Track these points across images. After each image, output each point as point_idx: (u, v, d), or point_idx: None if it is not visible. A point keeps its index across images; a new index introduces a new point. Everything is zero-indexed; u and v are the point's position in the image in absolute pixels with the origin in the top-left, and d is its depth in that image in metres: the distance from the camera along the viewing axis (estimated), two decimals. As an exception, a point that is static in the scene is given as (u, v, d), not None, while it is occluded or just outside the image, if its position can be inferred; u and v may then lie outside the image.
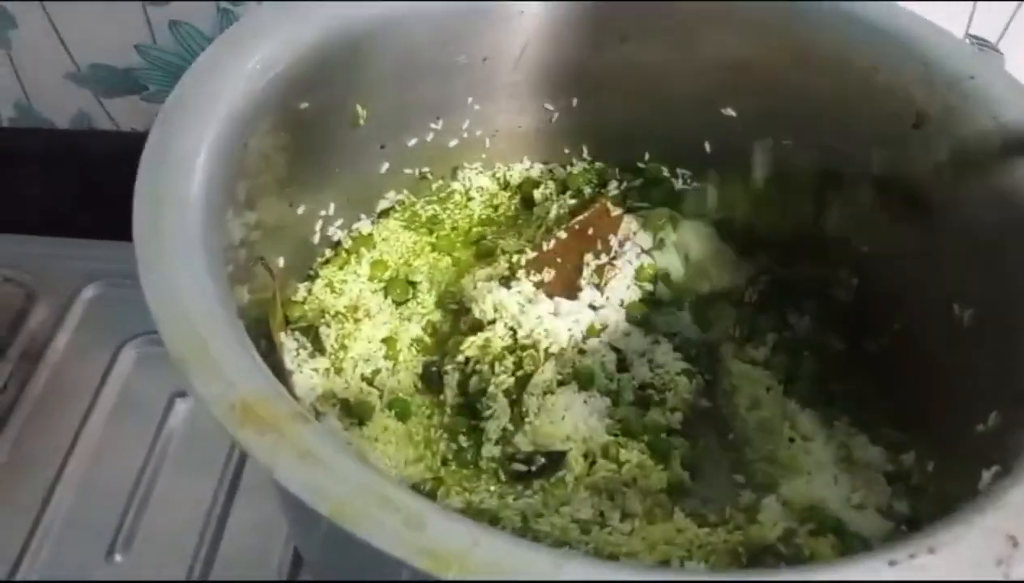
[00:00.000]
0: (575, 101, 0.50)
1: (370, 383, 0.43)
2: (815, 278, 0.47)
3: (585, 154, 0.52)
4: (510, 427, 0.41)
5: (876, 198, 0.44)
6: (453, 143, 0.50)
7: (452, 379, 0.43)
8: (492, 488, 0.39)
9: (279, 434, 0.26)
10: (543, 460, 0.40)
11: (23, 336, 0.57)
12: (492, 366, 0.43)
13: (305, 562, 0.46)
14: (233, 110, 0.36)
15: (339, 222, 0.47)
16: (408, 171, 0.50)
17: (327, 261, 0.47)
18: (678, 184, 0.51)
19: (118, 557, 0.49)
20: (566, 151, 0.52)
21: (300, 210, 0.44)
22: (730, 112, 0.47)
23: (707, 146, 0.49)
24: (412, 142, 0.48)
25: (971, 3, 0.53)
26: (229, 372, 0.27)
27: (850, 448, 0.42)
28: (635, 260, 0.48)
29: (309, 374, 0.41)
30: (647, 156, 0.51)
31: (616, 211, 0.48)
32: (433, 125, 0.49)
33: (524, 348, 0.43)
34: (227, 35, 0.39)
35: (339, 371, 0.43)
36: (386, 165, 0.48)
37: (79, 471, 0.52)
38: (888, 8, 0.43)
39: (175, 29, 0.58)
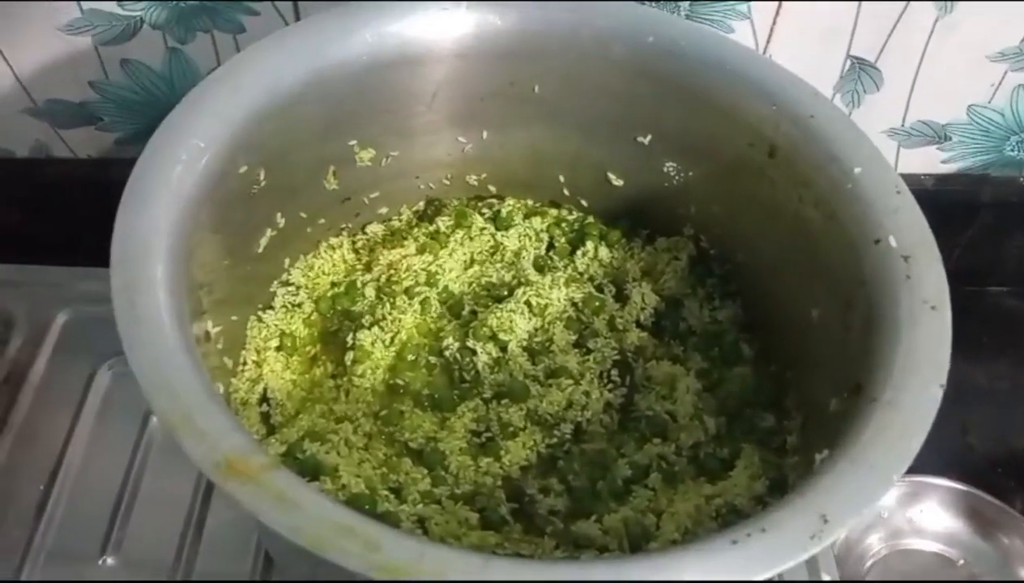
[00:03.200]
0: (485, 134, 0.56)
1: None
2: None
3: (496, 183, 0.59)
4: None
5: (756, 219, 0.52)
6: (377, 179, 0.56)
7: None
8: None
9: (257, 484, 0.33)
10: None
11: (4, 362, 0.62)
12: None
13: (275, 559, 0.54)
14: (183, 191, 0.42)
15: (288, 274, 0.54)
16: (342, 211, 0.56)
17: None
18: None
19: (109, 559, 0.55)
20: (482, 177, 0.59)
21: (251, 268, 0.50)
22: (636, 141, 0.54)
23: (612, 177, 0.57)
24: (335, 186, 0.54)
25: (851, 26, 0.60)
26: (211, 434, 0.34)
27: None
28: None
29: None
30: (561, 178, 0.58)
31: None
32: (360, 163, 0.55)
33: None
34: (171, 118, 0.44)
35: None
36: (320, 205, 0.54)
37: (67, 486, 0.57)
38: (747, 56, 0.50)
39: (126, 66, 0.62)
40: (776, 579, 0.53)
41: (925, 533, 0.63)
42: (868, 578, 0.62)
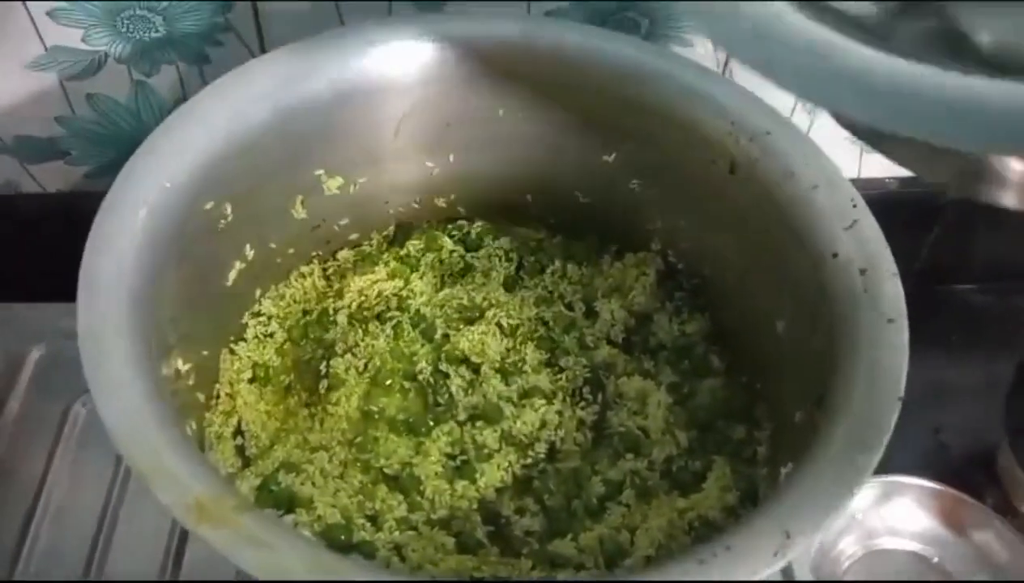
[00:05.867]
0: (452, 157, 0.57)
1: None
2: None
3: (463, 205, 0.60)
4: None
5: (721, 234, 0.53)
6: (346, 206, 0.56)
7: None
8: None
9: (231, 527, 0.33)
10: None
11: (-22, 403, 0.62)
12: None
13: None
14: (148, 232, 0.42)
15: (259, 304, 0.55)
16: (312, 239, 0.57)
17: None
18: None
19: (92, 598, 0.55)
20: (451, 199, 0.59)
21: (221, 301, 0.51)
22: (601, 160, 0.55)
23: (579, 195, 0.57)
24: (304, 215, 0.55)
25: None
26: (182, 478, 0.34)
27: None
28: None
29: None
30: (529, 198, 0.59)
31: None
32: (328, 192, 0.55)
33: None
34: (134, 159, 0.45)
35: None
36: (290, 235, 0.55)
37: (46, 522, 0.57)
38: (704, 75, 0.51)
39: (92, 100, 0.62)
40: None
41: (900, 533, 0.64)
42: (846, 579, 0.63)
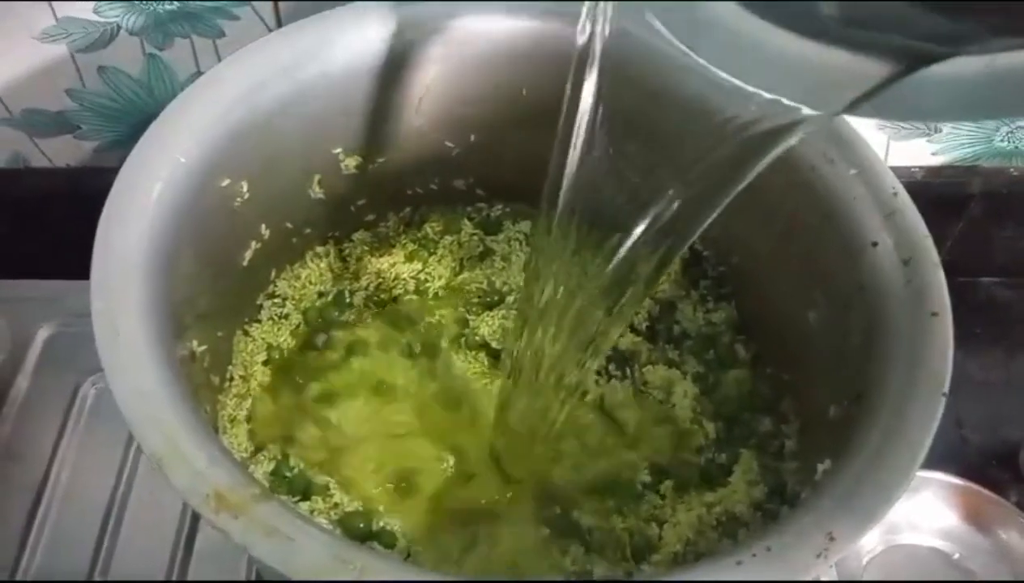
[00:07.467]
0: (472, 137, 0.55)
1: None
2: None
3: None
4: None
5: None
6: (364, 186, 0.55)
7: None
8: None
9: (248, 517, 0.32)
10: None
11: (-16, 381, 0.61)
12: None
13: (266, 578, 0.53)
14: (163, 209, 0.40)
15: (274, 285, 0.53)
16: (328, 219, 0.55)
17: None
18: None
19: (98, 579, 0.54)
20: (470, 182, 0.58)
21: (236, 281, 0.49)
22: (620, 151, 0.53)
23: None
24: (321, 195, 0.53)
25: None
26: (199, 465, 0.33)
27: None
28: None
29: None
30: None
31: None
32: (346, 171, 0.53)
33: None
34: (149, 133, 0.43)
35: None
36: (306, 215, 0.53)
37: (54, 505, 0.56)
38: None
39: (103, 73, 0.61)
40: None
41: (921, 528, 0.63)
42: (866, 576, 0.61)
